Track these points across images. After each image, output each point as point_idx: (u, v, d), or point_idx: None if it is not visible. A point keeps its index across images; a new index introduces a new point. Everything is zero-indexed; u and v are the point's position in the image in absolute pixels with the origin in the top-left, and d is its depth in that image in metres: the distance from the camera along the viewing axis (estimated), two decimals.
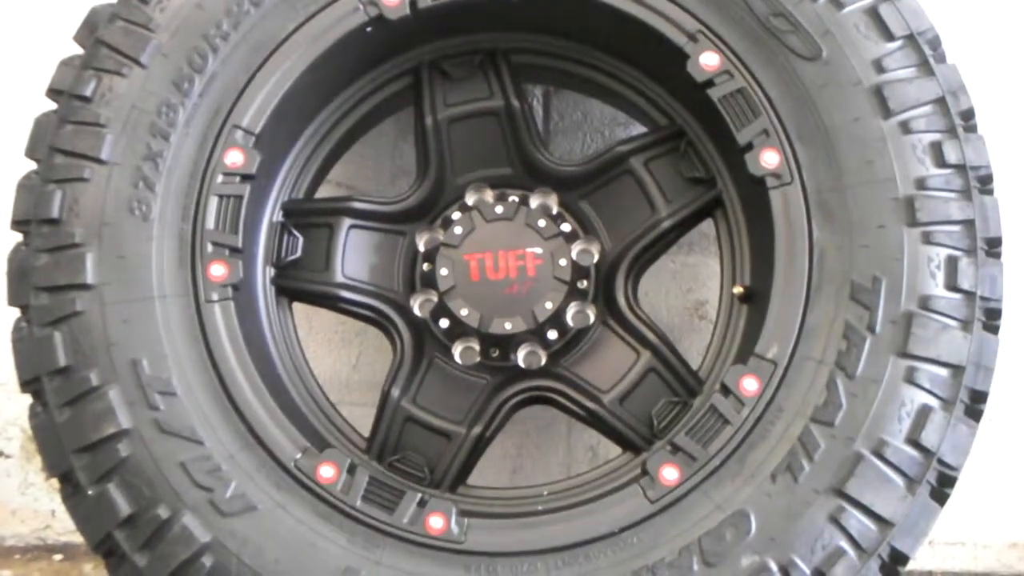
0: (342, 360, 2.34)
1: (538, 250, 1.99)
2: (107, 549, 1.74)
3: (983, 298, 1.71)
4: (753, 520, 1.67)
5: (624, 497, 1.74)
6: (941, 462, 1.68)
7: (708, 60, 1.83)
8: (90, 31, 1.88)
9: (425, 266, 2.03)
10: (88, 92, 1.83)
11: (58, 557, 2.43)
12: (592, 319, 2.01)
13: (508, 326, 1.97)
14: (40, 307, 1.77)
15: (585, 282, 2.02)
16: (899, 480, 1.66)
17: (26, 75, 2.04)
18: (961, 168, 1.74)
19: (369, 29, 1.89)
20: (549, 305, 1.97)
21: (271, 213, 2.05)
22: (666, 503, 1.71)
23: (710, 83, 1.83)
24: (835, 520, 1.65)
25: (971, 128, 1.79)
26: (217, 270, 1.82)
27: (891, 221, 1.72)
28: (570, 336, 2.02)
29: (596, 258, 2.03)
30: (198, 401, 1.76)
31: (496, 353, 2.02)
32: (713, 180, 2.02)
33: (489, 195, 2.06)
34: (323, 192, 2.17)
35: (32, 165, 1.84)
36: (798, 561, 1.64)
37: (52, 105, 1.86)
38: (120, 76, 1.84)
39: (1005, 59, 2.25)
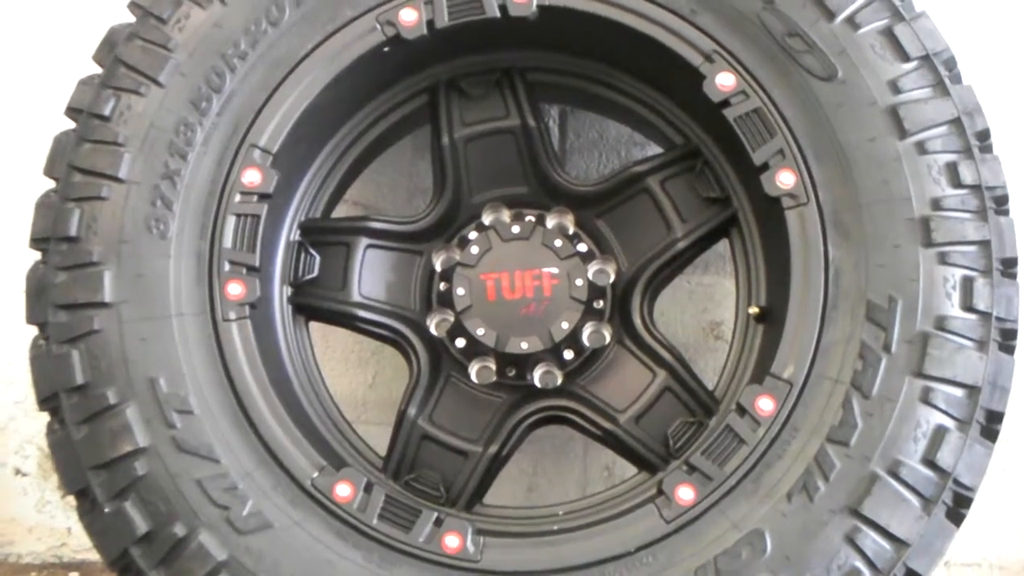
0: (358, 379, 2.35)
1: (554, 270, 1.99)
2: (123, 566, 1.75)
3: (999, 319, 1.72)
4: (768, 540, 1.67)
5: (640, 517, 1.75)
6: (957, 482, 1.68)
7: (724, 80, 1.83)
8: (109, 50, 1.89)
9: (442, 285, 2.03)
10: (106, 111, 1.84)
11: (74, 575, 2.44)
12: (608, 339, 2.02)
13: (524, 346, 1.98)
14: (58, 325, 1.78)
15: (601, 302, 2.03)
16: (915, 500, 1.66)
17: (45, 94, 2.05)
18: (977, 188, 1.74)
19: (387, 49, 1.90)
20: (565, 325, 1.98)
21: (288, 232, 2.06)
22: (682, 523, 1.72)
23: (726, 103, 1.83)
24: (851, 540, 1.65)
25: (987, 148, 1.79)
26: (234, 289, 1.83)
27: (907, 241, 1.72)
28: (586, 356, 2.03)
29: (612, 278, 2.03)
30: (215, 419, 1.77)
31: (512, 372, 2.03)
32: (729, 200, 2.03)
33: (505, 214, 2.07)
34: (340, 211, 2.18)
35: (51, 183, 1.86)
36: None
37: (71, 124, 1.87)
38: (138, 95, 1.85)
39: (1021, 81, 2.27)
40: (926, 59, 1.79)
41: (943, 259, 1.72)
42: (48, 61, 2.39)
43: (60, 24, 2.41)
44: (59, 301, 1.79)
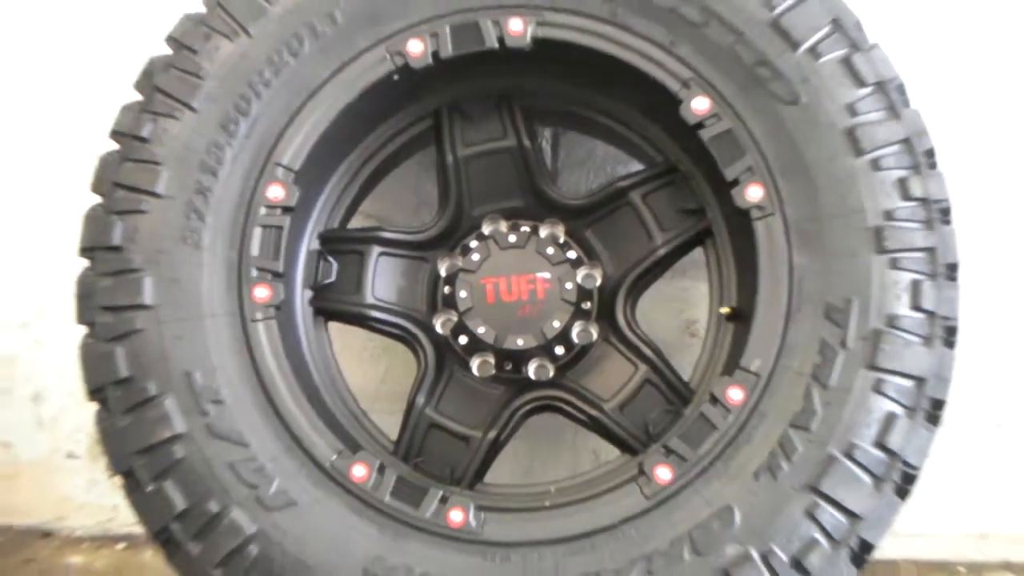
0: (372, 372, 2.37)
1: (547, 275, 2.01)
2: (164, 539, 1.77)
3: (943, 317, 1.73)
4: (737, 514, 1.69)
5: (623, 494, 1.76)
6: (904, 463, 1.70)
7: (699, 104, 1.84)
8: (148, 79, 1.90)
9: (446, 289, 2.05)
10: (146, 133, 1.85)
11: (121, 546, 2.47)
12: (595, 336, 2.04)
13: (520, 342, 1.99)
14: (104, 325, 1.80)
15: (589, 303, 2.04)
16: (867, 479, 1.68)
17: (92, 119, 2.07)
18: (924, 201, 1.75)
19: (396, 77, 1.91)
20: (557, 324, 1.99)
21: (309, 241, 2.07)
22: (660, 499, 1.73)
23: (701, 125, 1.84)
24: (810, 514, 1.67)
25: (932, 166, 1.80)
26: (261, 292, 1.85)
27: (862, 249, 1.74)
28: (575, 351, 2.04)
29: (599, 282, 2.05)
30: (245, 409, 1.79)
31: (509, 366, 2.05)
32: (703, 211, 2.04)
33: (503, 225, 2.09)
34: (355, 223, 2.19)
35: (97, 199, 1.87)
36: (777, 550, 1.66)
37: (115, 146, 1.88)
38: (174, 119, 1.86)
39: (962, 105, 2.29)
40: (879, 86, 1.80)
41: (894, 264, 1.73)
42: (94, 90, 2.41)
43: (105, 56, 2.42)
44: (105, 303, 1.81)
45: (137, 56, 1.95)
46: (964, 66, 2.29)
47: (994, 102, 2.30)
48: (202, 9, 1.94)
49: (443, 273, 2.08)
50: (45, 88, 2.46)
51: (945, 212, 1.80)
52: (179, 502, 1.75)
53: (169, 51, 1.92)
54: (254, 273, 1.86)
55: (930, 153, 1.82)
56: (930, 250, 1.75)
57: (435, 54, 1.90)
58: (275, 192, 1.87)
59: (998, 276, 2.33)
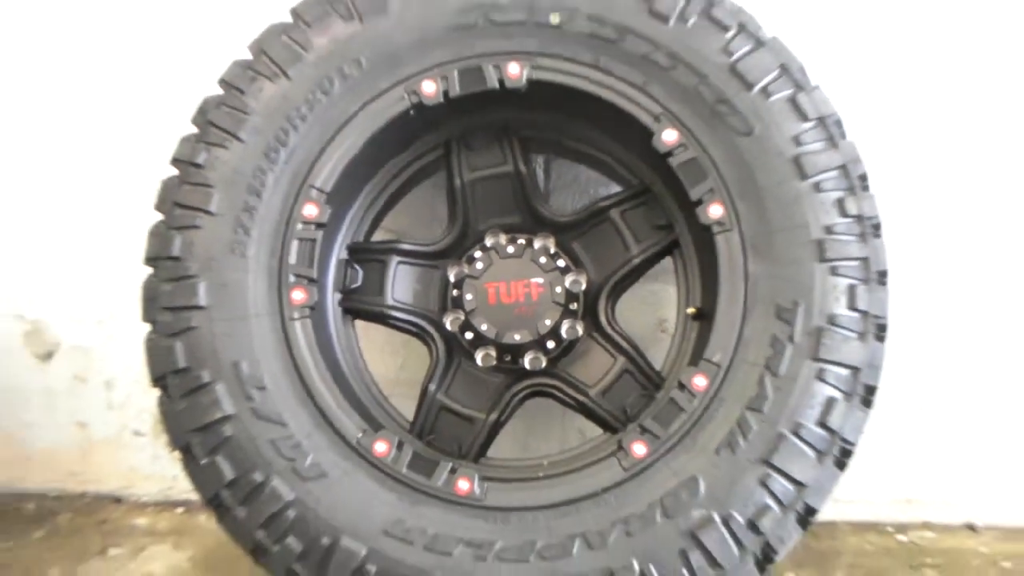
0: (391, 363, 2.36)
1: (540, 280, 2.00)
2: (216, 504, 1.77)
3: (875, 316, 1.73)
4: (702, 484, 1.69)
5: (605, 466, 1.76)
6: (842, 439, 1.70)
7: (668, 136, 1.83)
8: (203, 115, 1.90)
9: (454, 292, 2.04)
10: (201, 160, 1.85)
11: (180, 510, 2.47)
12: (581, 332, 2.02)
13: (517, 337, 1.99)
14: (165, 323, 1.80)
15: (575, 304, 2.03)
16: (811, 453, 1.68)
17: (155, 150, 2.07)
18: (859, 218, 1.75)
19: (412, 113, 1.90)
20: (548, 322, 1.98)
21: (338, 252, 2.06)
22: (636, 471, 1.73)
23: (670, 153, 1.83)
24: (763, 483, 1.67)
25: (865, 188, 1.80)
26: (298, 295, 1.84)
27: (806, 258, 1.73)
28: (564, 345, 2.03)
29: (584, 286, 2.03)
30: (284, 394, 1.78)
31: (508, 358, 2.04)
32: (672, 227, 2.03)
33: (503, 238, 2.07)
34: (377, 236, 2.18)
35: (159, 216, 1.87)
36: (735, 514, 1.66)
37: (174, 171, 1.88)
38: (224, 148, 1.86)
39: (890, 136, 2.29)
40: (820, 120, 1.80)
41: (834, 271, 1.73)
42: (157, 125, 2.40)
43: (165, 96, 2.42)
44: (166, 304, 1.80)
45: (193, 96, 1.95)
46: (893, 102, 2.29)
47: (916, 133, 2.29)
48: (248, 56, 1.93)
49: (452, 279, 2.07)
50: (117, 125, 2.46)
51: (876, 227, 1.79)
52: (228, 473, 1.74)
53: (220, 91, 1.92)
54: (292, 279, 1.85)
55: (863, 177, 1.82)
56: (864, 259, 1.75)
57: (445, 93, 1.90)
58: (310, 210, 1.87)
59: (924, 282, 2.32)
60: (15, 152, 2.50)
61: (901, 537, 2.31)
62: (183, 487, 2.42)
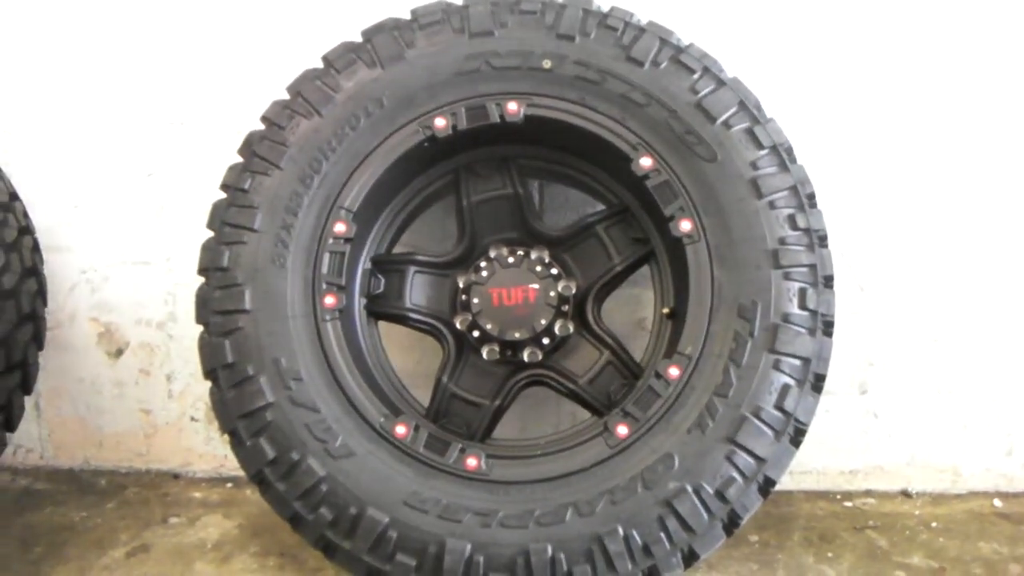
0: (410, 358, 2.33)
1: (536, 286, 1.98)
2: (260, 479, 1.76)
3: (823, 315, 1.73)
4: (676, 459, 1.67)
5: (593, 445, 1.75)
6: (797, 421, 1.69)
7: (644, 162, 1.82)
8: (248, 147, 1.90)
9: (463, 297, 2.01)
10: (246, 186, 1.85)
11: (229, 485, 2.45)
12: (571, 330, 1.99)
13: (517, 335, 1.96)
14: (215, 324, 1.79)
15: (567, 306, 2.00)
16: (770, 433, 1.67)
17: (208, 177, 2.06)
18: (807, 231, 1.75)
19: (426, 144, 1.89)
20: (543, 322, 1.96)
21: (364, 263, 2.04)
22: (619, 448, 1.72)
23: (646, 177, 1.82)
24: (729, 459, 1.66)
25: (813, 205, 1.80)
26: (329, 300, 1.83)
27: (764, 265, 1.73)
28: (557, 341, 2.00)
29: (574, 291, 2.00)
30: (317, 384, 1.77)
31: (509, 353, 2.00)
32: (648, 240, 2.01)
33: (504, 250, 2.04)
34: (397, 249, 2.16)
35: (211, 234, 1.86)
36: (705, 486, 1.65)
37: (223, 195, 1.88)
38: (266, 176, 1.85)
39: (835, 161, 2.27)
40: (774, 148, 1.80)
41: (787, 276, 1.72)
42: (207, 157, 2.39)
43: (215, 129, 2.40)
44: (216, 309, 1.80)
45: (239, 130, 1.95)
46: (838, 131, 2.27)
47: (859, 157, 2.27)
48: (286, 96, 1.93)
49: (461, 285, 2.03)
50: (174, 157, 2.44)
51: (823, 239, 1.79)
52: (269, 453, 1.74)
53: (263, 127, 1.91)
54: (324, 286, 1.84)
55: (811, 196, 1.81)
56: (812, 266, 1.74)
57: (454, 127, 1.89)
58: (339, 227, 1.86)
59: (868, 279, 2.30)
60: (83, 179, 2.47)
61: (847, 503, 2.30)
62: (232, 465, 2.39)
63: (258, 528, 2.19)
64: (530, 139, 2.01)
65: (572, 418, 2.34)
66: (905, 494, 2.33)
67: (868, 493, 2.33)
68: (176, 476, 2.51)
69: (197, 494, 2.40)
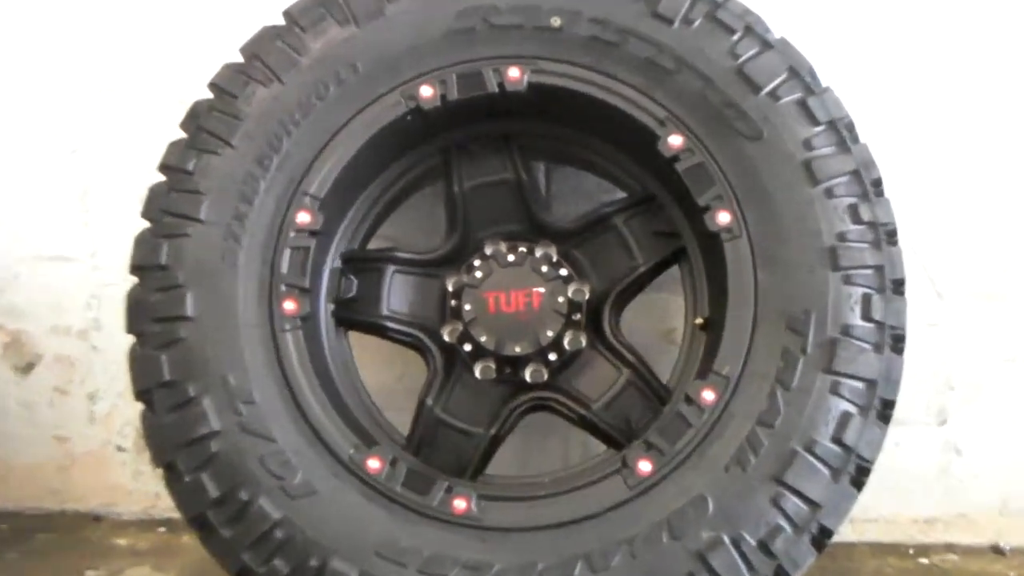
0: (388, 375, 2.32)
1: (541, 289, 1.97)
2: (200, 524, 1.74)
3: (891, 327, 1.71)
4: (710, 502, 1.66)
5: (609, 484, 1.73)
6: (859, 456, 1.67)
7: (674, 140, 1.82)
8: (192, 119, 1.89)
9: (453, 302, 2.01)
10: (190, 167, 1.84)
11: (162, 529, 2.44)
12: (584, 344, 1.98)
13: (518, 349, 1.95)
14: (151, 334, 1.78)
15: (578, 315, 1.99)
16: (826, 471, 1.65)
17: (144, 153, 2.06)
18: (873, 224, 1.74)
19: (409, 118, 1.89)
20: (550, 333, 1.95)
21: (332, 260, 2.04)
22: (642, 489, 1.70)
23: (676, 158, 1.82)
24: (775, 503, 1.64)
25: (880, 193, 1.79)
26: (289, 305, 1.82)
27: (819, 266, 1.72)
28: (566, 357, 1.99)
29: (587, 296, 2.00)
30: (273, 408, 1.76)
31: (508, 370, 2.00)
32: (678, 234, 2.01)
33: (503, 246, 2.04)
34: (373, 244, 2.16)
35: (146, 224, 1.85)
36: (746, 535, 1.63)
37: (162, 178, 1.87)
38: (215, 154, 1.85)
39: (906, 141, 2.26)
40: (831, 124, 1.79)
41: (847, 280, 1.71)
42: (144, 129, 2.38)
43: (152, 100, 2.40)
44: (152, 315, 1.79)
45: (181, 99, 1.94)
46: (909, 103, 2.26)
47: (934, 136, 2.26)
48: (240, 59, 1.93)
49: (450, 288, 2.03)
50: (103, 128, 2.44)
51: (891, 234, 1.77)
52: (214, 491, 1.72)
53: (211, 95, 1.91)
54: (283, 289, 1.83)
55: (877, 182, 1.80)
56: (879, 267, 1.73)
57: (443, 97, 1.89)
58: (303, 217, 1.86)
59: (939, 286, 2.30)
60: None
61: (923, 560, 2.28)
62: (166, 505, 2.33)
63: None
64: (535, 113, 2.00)
65: (583, 451, 2.34)
66: (996, 550, 2.32)
67: (949, 547, 2.32)
68: (97, 518, 2.50)
69: (122, 541, 2.39)
